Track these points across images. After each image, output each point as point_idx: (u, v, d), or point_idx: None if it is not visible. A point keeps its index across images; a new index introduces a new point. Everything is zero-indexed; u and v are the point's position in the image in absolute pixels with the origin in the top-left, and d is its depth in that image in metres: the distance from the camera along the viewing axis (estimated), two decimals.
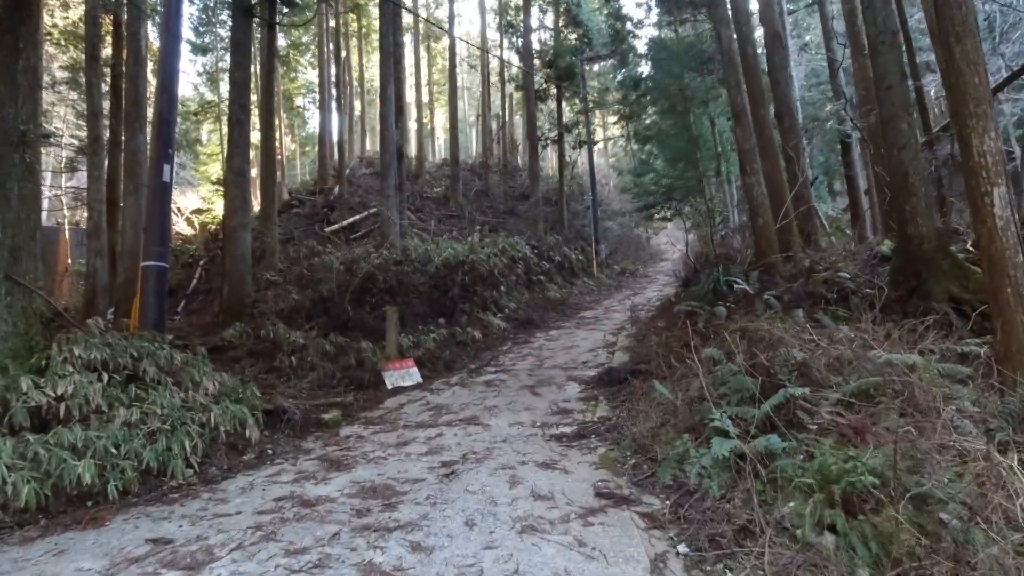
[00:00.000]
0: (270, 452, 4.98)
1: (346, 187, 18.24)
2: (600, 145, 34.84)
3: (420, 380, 7.71)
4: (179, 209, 26.32)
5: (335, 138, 20.76)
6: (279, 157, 29.46)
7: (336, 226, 15.31)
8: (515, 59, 27.70)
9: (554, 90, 20.06)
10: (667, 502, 3.47)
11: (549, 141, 19.83)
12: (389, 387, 7.37)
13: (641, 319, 10.12)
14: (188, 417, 4.57)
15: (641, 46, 26.42)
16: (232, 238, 9.51)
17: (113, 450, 3.96)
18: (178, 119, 29.85)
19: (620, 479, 3.94)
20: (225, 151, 10.14)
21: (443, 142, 42.57)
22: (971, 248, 6.11)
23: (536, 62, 19.17)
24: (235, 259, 9.39)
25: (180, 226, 25.16)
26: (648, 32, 26.66)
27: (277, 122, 30.26)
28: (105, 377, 4.52)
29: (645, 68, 28.65)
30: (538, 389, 6.72)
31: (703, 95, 23.68)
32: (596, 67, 26.24)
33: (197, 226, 24.39)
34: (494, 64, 31.08)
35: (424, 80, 36.04)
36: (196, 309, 12.36)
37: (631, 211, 34.13)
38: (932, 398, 3.59)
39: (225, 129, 12.71)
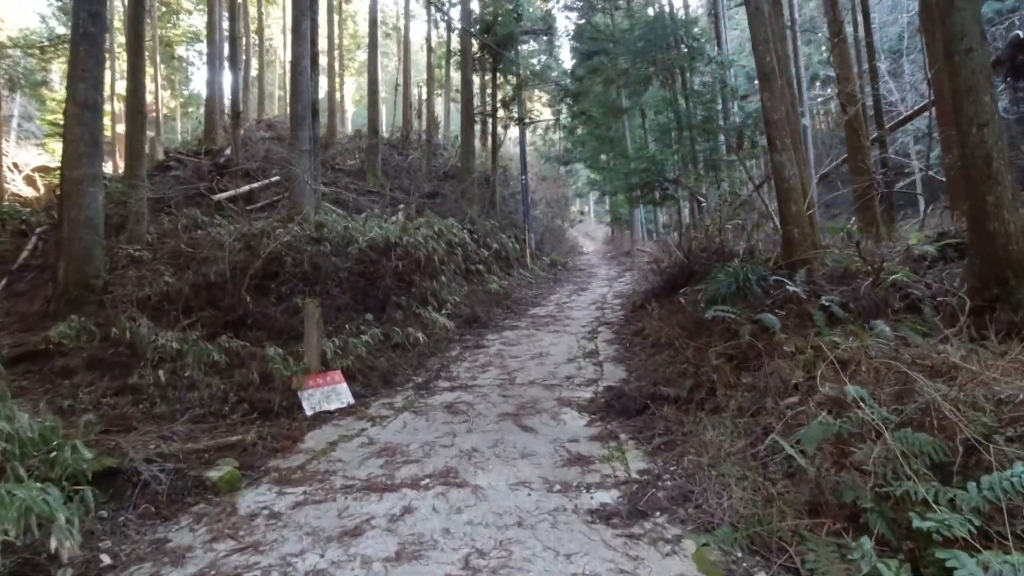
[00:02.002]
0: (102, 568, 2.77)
1: (241, 150, 15.18)
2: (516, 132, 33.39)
3: (352, 401, 5.62)
4: (15, 166, 21.36)
5: (227, 93, 17.38)
6: (155, 113, 24.98)
7: (230, 193, 12.42)
8: (444, 24, 25.39)
9: (489, 61, 18.15)
10: None
11: (482, 115, 17.89)
12: (309, 413, 5.22)
13: (616, 321, 8.63)
14: None
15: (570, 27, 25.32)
16: (74, 194, 6.75)
17: None
18: (18, 55, 24.28)
19: None
20: (68, 76, 7.27)
21: (352, 115, 39.07)
22: None
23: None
24: (77, 224, 6.67)
25: (17, 185, 20.35)
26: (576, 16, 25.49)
27: (153, 71, 25.66)
28: None
29: (570, 59, 27.65)
30: (525, 419, 4.92)
31: (636, 91, 22.93)
32: (526, 47, 24.65)
33: (41, 187, 19.77)
34: (416, 36, 28.48)
35: (335, 46, 32.50)
36: (23, 292, 9.16)
37: (553, 200, 33.19)
38: None
39: None
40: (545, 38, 24.79)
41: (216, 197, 11.82)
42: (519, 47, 19.95)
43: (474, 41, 16.10)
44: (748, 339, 4.77)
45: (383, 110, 39.22)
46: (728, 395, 4.33)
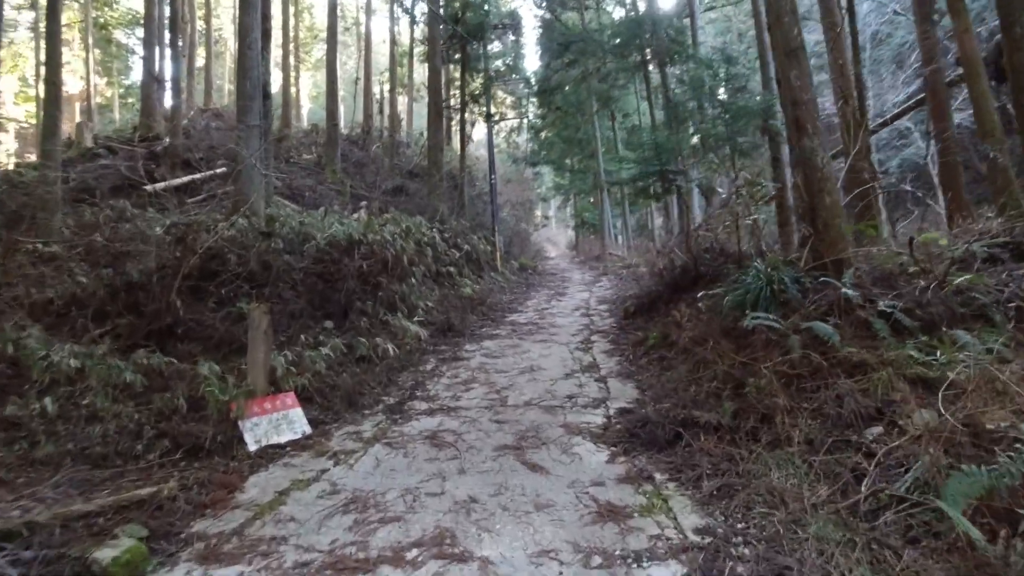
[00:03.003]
0: None
1: (181, 139, 13.68)
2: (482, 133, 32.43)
3: (308, 431, 4.52)
4: None
5: (168, 79, 15.75)
6: (88, 101, 22.86)
7: (167, 183, 10.98)
8: (407, 16, 24.33)
9: (457, 56, 17.18)
10: None
11: (449, 108, 16.87)
12: (253, 449, 4.10)
13: (609, 329, 7.76)
14: None
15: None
16: None
17: None
18: None
19: None
20: None
21: (308, 111, 37.33)
22: None
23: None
24: None
25: None
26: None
27: (85, 55, 23.52)
28: None
29: (537, 59, 26.98)
30: (530, 453, 3.95)
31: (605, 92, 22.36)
32: (492, 47, 23.78)
33: None
34: (378, 34, 27.41)
35: (291, 39, 30.77)
36: None
37: (518, 203, 32.39)
38: None
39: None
40: (512, 38, 24.03)
41: (150, 187, 10.37)
42: (488, 42, 19.08)
43: (442, 30, 15.08)
44: (800, 352, 3.95)
45: (342, 109, 37.66)
46: (791, 423, 3.48)
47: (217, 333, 5.40)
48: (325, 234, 8.19)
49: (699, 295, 5.84)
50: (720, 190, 8.88)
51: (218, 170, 12.24)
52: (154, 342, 5.26)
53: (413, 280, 8.57)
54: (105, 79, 29.64)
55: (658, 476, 3.50)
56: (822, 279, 4.49)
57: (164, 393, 4.26)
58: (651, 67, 17.57)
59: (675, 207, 16.40)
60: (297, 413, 4.61)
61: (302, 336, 5.85)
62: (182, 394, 4.21)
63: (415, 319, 7.78)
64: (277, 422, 4.43)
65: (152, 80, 15.70)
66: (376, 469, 3.79)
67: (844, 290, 4.21)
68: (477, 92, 17.80)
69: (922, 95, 10.84)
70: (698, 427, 3.94)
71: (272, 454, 4.09)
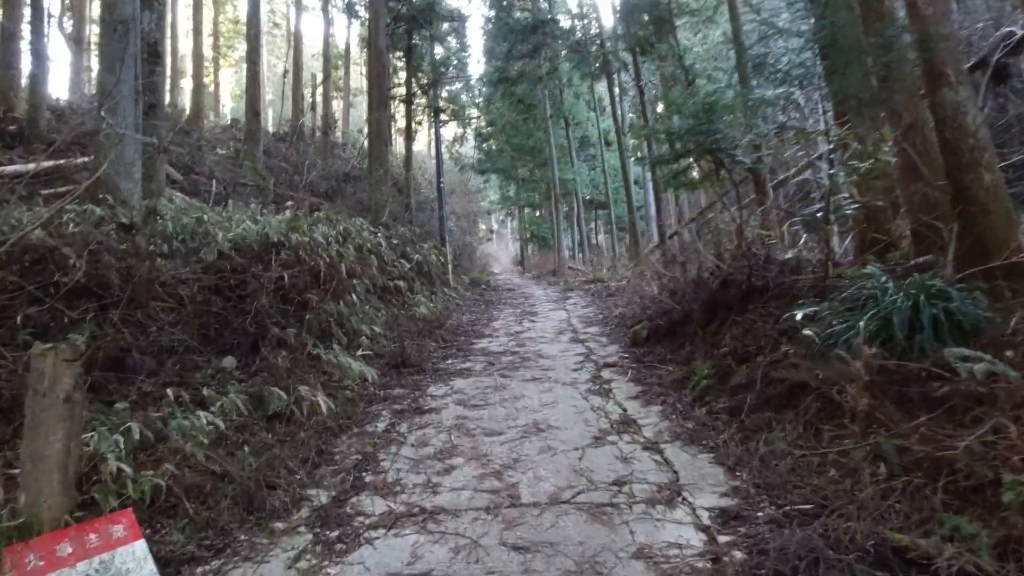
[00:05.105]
0: None
1: (46, 119, 10.83)
2: (426, 139, 30.27)
3: None
4: None
5: (29, 49, 12.69)
6: None
7: (15, 168, 8.22)
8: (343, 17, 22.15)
9: (403, 40, 15.11)
10: None
11: (395, 100, 14.75)
12: None
13: (619, 362, 5.86)
14: None
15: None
16: None
17: None
18: None
19: None
20: None
21: (230, 110, 33.90)
22: None
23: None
24: None
25: None
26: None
27: None
28: None
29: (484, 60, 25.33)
30: None
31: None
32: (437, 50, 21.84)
33: None
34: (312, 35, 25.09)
35: (208, 31, 27.57)
36: None
37: (463, 215, 30.39)
38: None
39: None
40: (456, 44, 22.12)
41: None
42: (436, 30, 17.12)
43: (387, 8, 13.01)
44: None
45: (270, 112, 34.39)
46: None
47: (4, 391, 3.06)
48: (231, 234, 5.91)
49: (785, 316, 4.04)
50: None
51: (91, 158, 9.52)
52: None
53: (354, 297, 6.37)
54: None
55: None
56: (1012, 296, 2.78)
57: None
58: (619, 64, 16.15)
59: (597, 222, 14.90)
60: (133, 552, 2.37)
61: (168, 391, 3.55)
62: None
63: (358, 351, 5.59)
64: None
65: (11, 55, 12.62)
66: None
67: None
68: (425, 84, 15.75)
69: None
70: (920, 570, 2.07)
71: None
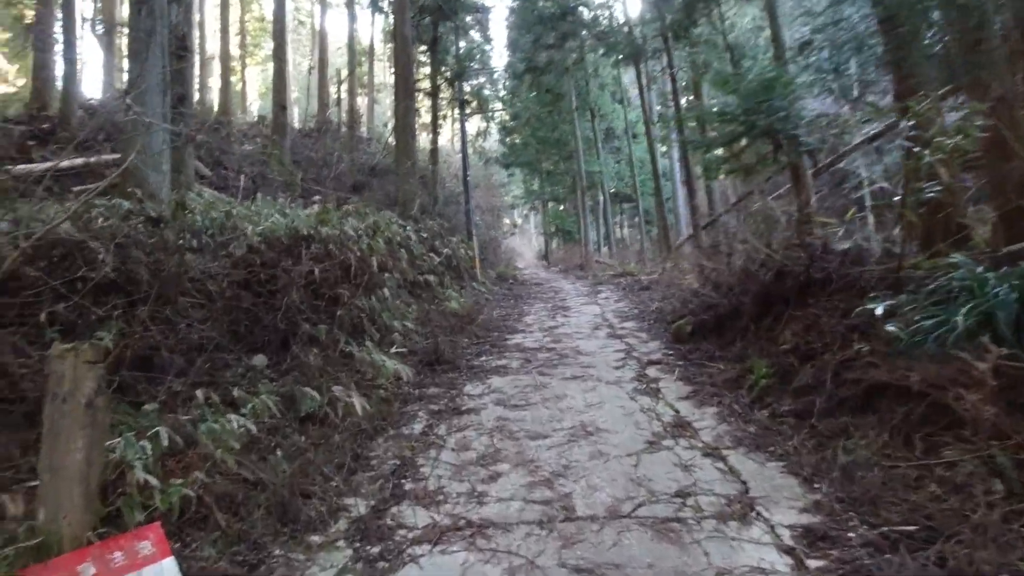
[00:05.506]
0: None
1: (78, 117, 10.88)
2: (449, 134, 29.99)
3: None
4: None
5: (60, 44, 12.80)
6: None
7: (46, 166, 8.21)
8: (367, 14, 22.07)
9: (428, 32, 14.89)
10: None
11: (420, 92, 14.54)
12: None
13: (663, 359, 5.54)
14: None
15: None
16: None
17: None
18: None
19: None
20: None
21: (258, 107, 34.15)
22: None
23: None
24: None
25: None
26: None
27: None
28: None
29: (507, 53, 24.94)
30: None
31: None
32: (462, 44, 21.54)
33: None
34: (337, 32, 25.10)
35: (235, 30, 27.75)
36: None
37: (487, 209, 30.13)
38: None
39: None
40: (479, 38, 21.73)
41: (14, 169, 7.60)
42: (460, 21, 16.85)
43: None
44: None
45: (296, 110, 34.60)
46: None
47: (29, 393, 2.90)
48: (260, 228, 5.74)
49: (857, 310, 3.68)
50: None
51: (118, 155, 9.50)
52: None
53: (385, 292, 6.16)
54: (17, 66, 25.91)
55: None
56: None
57: None
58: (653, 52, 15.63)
59: (604, 215, 14.43)
60: (161, 571, 2.16)
61: (198, 392, 3.36)
62: None
63: (391, 348, 5.38)
64: None
65: (48, 55, 12.77)
66: None
67: None
68: (449, 76, 15.51)
69: None
70: None
71: None
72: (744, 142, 5.31)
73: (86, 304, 3.64)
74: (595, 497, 2.99)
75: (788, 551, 2.40)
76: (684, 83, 18.15)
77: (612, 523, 2.72)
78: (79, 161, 8.95)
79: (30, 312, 3.58)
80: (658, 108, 23.94)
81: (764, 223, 6.04)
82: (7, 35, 22.95)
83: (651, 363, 5.56)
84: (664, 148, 22.18)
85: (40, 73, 12.15)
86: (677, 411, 4.19)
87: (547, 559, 2.44)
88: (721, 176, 15.55)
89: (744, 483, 3.06)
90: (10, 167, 7.56)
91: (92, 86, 25.64)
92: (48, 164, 8.40)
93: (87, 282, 3.70)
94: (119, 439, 2.58)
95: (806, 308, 4.56)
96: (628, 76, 27.62)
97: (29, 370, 3.14)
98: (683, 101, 17.91)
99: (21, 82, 26.13)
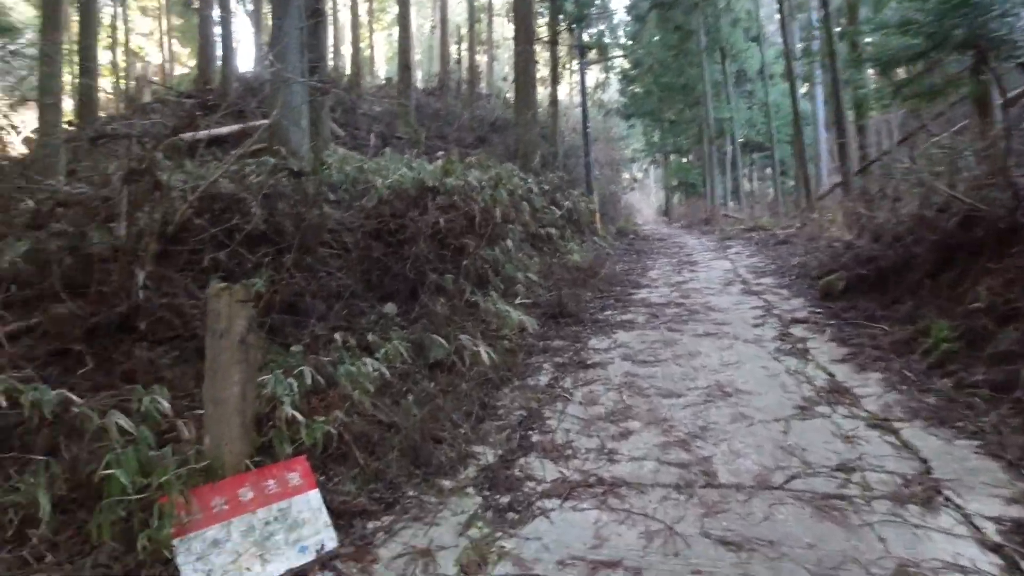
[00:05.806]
0: None
1: (235, 89, 11.90)
2: (568, 90, 28.98)
3: (330, 545, 2.19)
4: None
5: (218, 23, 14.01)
6: (162, 67, 22.02)
7: (204, 133, 9.13)
8: None
9: None
10: None
11: (540, 41, 14.12)
12: None
13: (808, 317, 4.96)
14: None
15: None
16: None
17: None
18: None
19: None
20: None
21: (384, 71, 35.48)
22: None
23: None
24: None
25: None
26: None
27: (159, 21, 22.69)
28: None
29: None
30: None
31: None
32: None
33: None
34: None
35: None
36: None
37: (606, 163, 29.12)
38: None
39: None
40: None
41: (186, 137, 8.51)
42: None
43: None
44: None
45: (419, 72, 35.39)
46: None
47: (192, 330, 3.20)
48: (388, 181, 5.90)
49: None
50: None
51: (265, 120, 10.28)
52: (99, 344, 3.14)
53: (508, 243, 6.11)
54: (188, 49, 29.05)
55: None
56: None
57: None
58: None
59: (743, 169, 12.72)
60: (308, 501, 2.28)
61: (336, 336, 3.53)
62: (42, 487, 1.98)
63: (515, 300, 5.34)
64: (265, 527, 2.13)
65: (209, 33, 14.05)
66: None
67: None
68: (569, 22, 14.84)
69: None
70: None
71: None
72: (932, 58, 4.36)
73: (241, 252, 3.94)
74: (739, 464, 2.71)
75: (994, 548, 1.99)
76: (837, 3, 15.84)
77: (761, 494, 2.44)
78: (236, 127, 9.81)
79: (196, 259, 3.96)
80: (799, 45, 21.22)
81: (947, 161, 5.07)
82: (180, 21, 25.70)
83: (795, 321, 4.98)
84: (804, 89, 19.73)
85: (204, 52, 13.45)
86: (832, 375, 3.70)
87: (688, 526, 2.24)
88: (873, 114, 13.47)
89: (925, 462, 2.61)
90: (183, 135, 8.50)
91: (246, 61, 28.16)
92: (210, 132, 9.32)
93: (241, 232, 3.99)
94: (270, 376, 2.75)
95: (1006, 259, 3.77)
96: (764, 10, 24.73)
97: (199, 311, 3.47)
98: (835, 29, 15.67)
99: (192, 63, 29.34)
